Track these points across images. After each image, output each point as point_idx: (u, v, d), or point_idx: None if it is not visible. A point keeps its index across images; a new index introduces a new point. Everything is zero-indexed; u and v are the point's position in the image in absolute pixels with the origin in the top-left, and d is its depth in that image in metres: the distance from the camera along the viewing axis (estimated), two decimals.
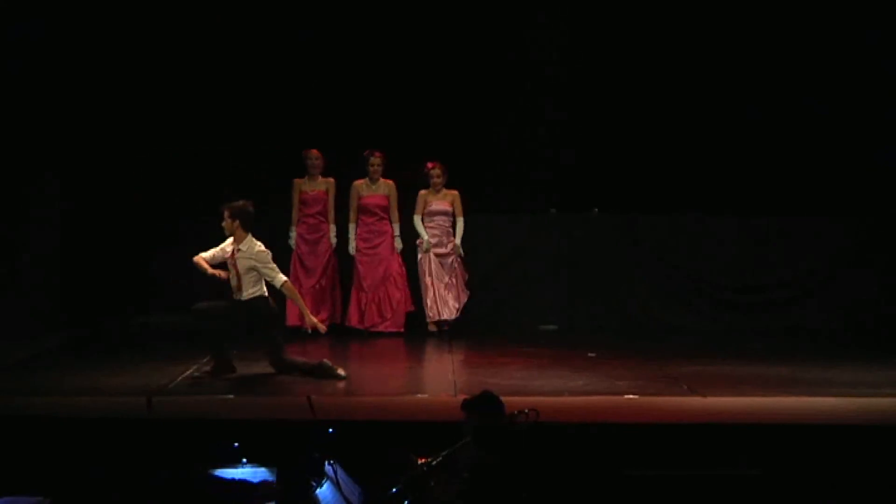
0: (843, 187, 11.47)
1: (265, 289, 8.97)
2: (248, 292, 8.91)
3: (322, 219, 11.14)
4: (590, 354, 9.88)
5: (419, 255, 11.10)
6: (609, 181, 11.70)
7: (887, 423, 7.30)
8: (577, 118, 11.74)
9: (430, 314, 11.07)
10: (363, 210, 11.10)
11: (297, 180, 11.13)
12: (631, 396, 8.06)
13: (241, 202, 8.84)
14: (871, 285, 11.47)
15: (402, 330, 11.12)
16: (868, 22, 11.39)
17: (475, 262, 11.31)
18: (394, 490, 6.05)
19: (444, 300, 11.04)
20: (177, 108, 11.49)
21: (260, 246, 8.89)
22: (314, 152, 11.12)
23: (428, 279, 11.06)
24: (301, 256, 11.12)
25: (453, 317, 11.06)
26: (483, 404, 6.09)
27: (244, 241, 8.87)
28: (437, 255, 11.08)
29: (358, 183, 11.10)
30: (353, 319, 11.10)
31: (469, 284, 11.20)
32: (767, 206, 11.47)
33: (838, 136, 11.52)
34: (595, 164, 11.73)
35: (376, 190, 11.08)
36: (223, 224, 8.85)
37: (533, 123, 11.80)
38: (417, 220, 11.07)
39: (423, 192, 11.09)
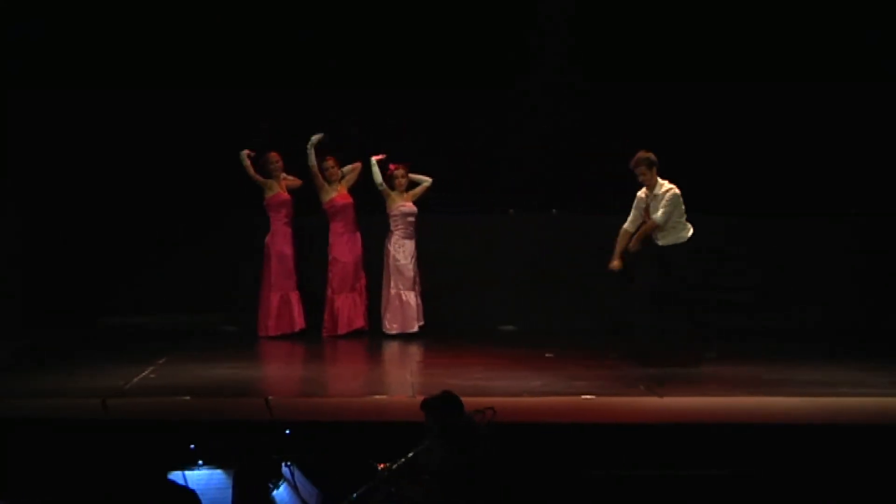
0: (817, 189, 11.54)
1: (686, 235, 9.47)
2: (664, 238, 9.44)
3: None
4: (547, 355, 9.90)
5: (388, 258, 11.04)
6: (571, 182, 11.72)
7: (843, 422, 7.37)
8: (542, 119, 11.75)
9: (392, 326, 10.98)
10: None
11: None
12: (588, 397, 8.09)
13: (644, 154, 9.43)
14: (838, 287, 11.54)
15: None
16: (868, 22, 11.45)
17: (434, 263, 11.28)
18: (354, 495, 6.05)
19: (406, 312, 10.96)
20: (144, 110, 11.42)
21: (670, 187, 9.45)
22: (274, 155, 11.05)
23: (394, 290, 11.00)
24: (283, 260, 11.06)
25: (415, 329, 11.01)
26: (443, 404, 6.10)
27: (656, 187, 9.43)
28: (400, 264, 10.98)
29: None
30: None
31: (426, 287, 11.14)
32: (734, 206, 11.49)
33: (820, 137, 11.58)
34: (554, 164, 11.75)
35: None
36: (641, 179, 9.49)
37: (494, 124, 11.80)
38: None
39: (392, 194, 10.98)
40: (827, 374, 9.04)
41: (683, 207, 9.56)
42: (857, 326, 11.30)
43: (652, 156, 9.51)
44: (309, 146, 10.90)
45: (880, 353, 10.06)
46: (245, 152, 10.92)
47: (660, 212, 9.44)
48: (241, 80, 11.43)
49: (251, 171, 10.93)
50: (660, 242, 9.54)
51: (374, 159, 10.88)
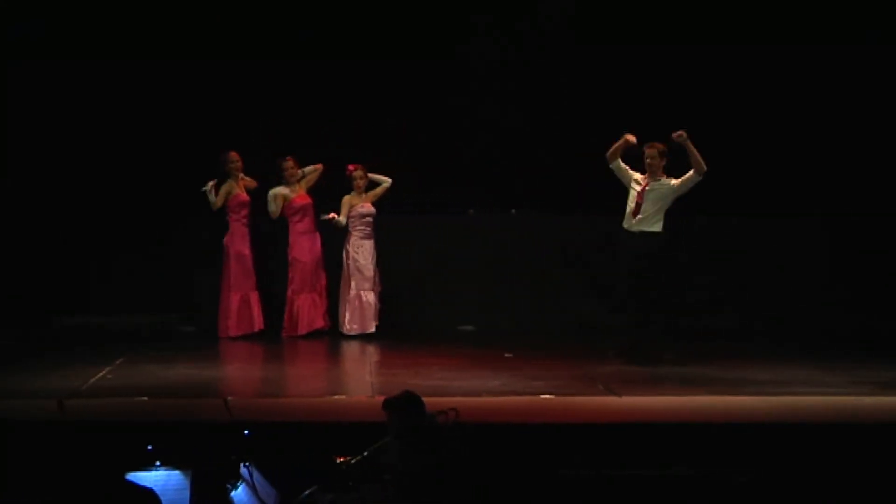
0: (781, 188, 11.63)
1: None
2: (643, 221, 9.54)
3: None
4: (507, 355, 9.92)
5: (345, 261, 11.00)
6: (529, 181, 11.76)
7: (798, 421, 7.44)
8: (499, 118, 11.77)
9: (352, 326, 10.96)
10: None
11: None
12: (547, 396, 8.11)
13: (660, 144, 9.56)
14: (795, 287, 11.64)
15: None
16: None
17: (394, 263, 11.28)
18: (308, 491, 6.04)
19: (365, 312, 10.93)
20: (104, 109, 11.34)
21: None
22: (233, 155, 10.99)
23: (353, 291, 10.95)
24: (242, 260, 10.99)
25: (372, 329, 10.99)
26: (405, 404, 6.09)
27: (661, 179, 9.58)
28: (360, 265, 10.95)
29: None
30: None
31: (385, 287, 11.12)
32: (691, 206, 11.57)
33: (765, 137, 11.68)
34: (515, 164, 11.79)
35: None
36: (650, 162, 9.62)
37: (452, 124, 11.80)
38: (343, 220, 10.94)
39: (347, 197, 10.93)
40: (783, 373, 9.12)
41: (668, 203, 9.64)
42: (814, 326, 11.41)
43: (665, 148, 9.62)
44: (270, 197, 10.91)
45: (836, 353, 10.16)
46: (210, 185, 10.80)
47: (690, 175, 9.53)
48: (206, 81, 11.40)
49: (217, 204, 10.82)
50: (634, 228, 9.61)
51: (333, 217, 10.88)
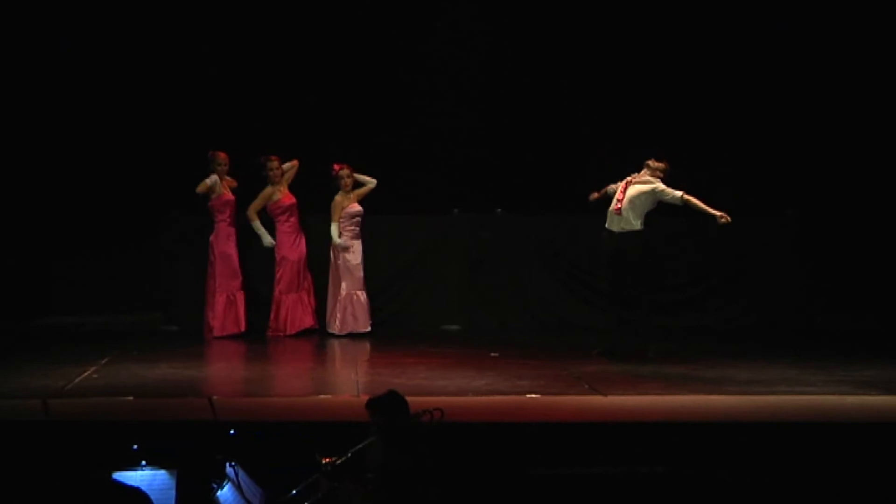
0: (754, 187, 11.70)
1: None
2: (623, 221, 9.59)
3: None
4: (492, 354, 9.94)
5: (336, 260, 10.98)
6: (513, 181, 11.78)
7: (779, 420, 7.48)
8: (483, 118, 11.80)
9: (344, 327, 10.97)
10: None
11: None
12: (533, 396, 8.13)
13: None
14: (775, 285, 11.69)
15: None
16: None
17: (379, 262, 11.29)
18: (295, 491, 6.05)
19: (359, 311, 10.95)
20: (84, 105, 11.33)
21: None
22: (223, 156, 10.96)
23: (345, 291, 10.95)
24: (227, 260, 10.96)
25: (368, 328, 11.01)
26: (388, 404, 6.11)
27: (646, 180, 9.69)
28: (351, 265, 10.96)
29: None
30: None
31: (370, 286, 11.13)
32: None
33: (745, 137, 11.73)
34: (499, 165, 11.81)
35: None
36: (650, 170, 9.71)
37: (436, 123, 11.82)
38: (336, 228, 10.94)
39: (338, 197, 10.92)
40: (766, 373, 9.15)
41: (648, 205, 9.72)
42: (793, 325, 11.47)
43: (669, 170, 9.77)
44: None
45: (818, 353, 10.20)
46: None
47: (678, 194, 9.62)
48: (178, 78, 11.39)
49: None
50: (615, 226, 9.68)
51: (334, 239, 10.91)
